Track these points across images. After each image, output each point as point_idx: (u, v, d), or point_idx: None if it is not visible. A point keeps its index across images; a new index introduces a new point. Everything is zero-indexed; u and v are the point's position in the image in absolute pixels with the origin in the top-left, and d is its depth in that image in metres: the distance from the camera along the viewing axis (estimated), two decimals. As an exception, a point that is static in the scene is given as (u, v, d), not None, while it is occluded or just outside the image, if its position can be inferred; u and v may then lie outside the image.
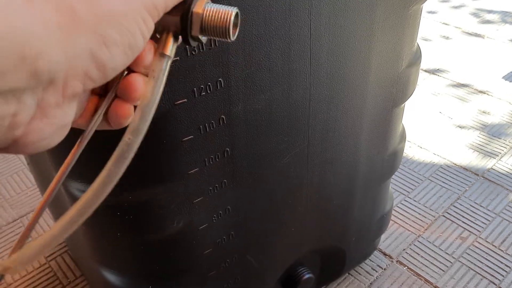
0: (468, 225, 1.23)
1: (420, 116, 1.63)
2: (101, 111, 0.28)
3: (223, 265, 0.74)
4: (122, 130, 0.28)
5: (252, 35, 0.52)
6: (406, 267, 1.14)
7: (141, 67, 0.27)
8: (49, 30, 0.21)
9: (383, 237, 1.20)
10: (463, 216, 1.26)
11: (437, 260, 1.15)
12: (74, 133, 0.28)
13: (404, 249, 1.18)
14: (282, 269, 0.88)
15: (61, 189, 0.64)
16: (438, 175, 1.39)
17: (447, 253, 1.16)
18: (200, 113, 0.54)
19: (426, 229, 1.23)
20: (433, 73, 1.87)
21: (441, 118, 1.62)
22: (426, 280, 1.10)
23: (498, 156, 1.45)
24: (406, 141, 1.05)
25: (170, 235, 0.64)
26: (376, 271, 1.13)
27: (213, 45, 0.50)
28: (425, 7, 2.32)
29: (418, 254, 1.16)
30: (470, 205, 1.29)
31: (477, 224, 1.23)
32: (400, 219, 1.26)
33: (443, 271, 1.12)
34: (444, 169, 1.41)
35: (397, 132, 0.87)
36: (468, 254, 1.16)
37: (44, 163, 0.72)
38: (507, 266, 1.12)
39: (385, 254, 1.17)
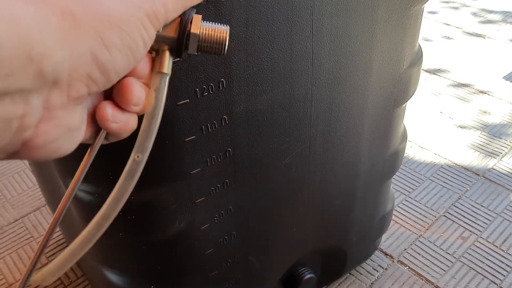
0: (469, 225, 1.23)
1: (421, 116, 1.63)
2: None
3: (225, 265, 0.74)
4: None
5: (254, 35, 0.53)
6: (407, 267, 1.14)
7: (135, 75, 0.28)
8: (51, 32, 0.21)
9: (384, 237, 1.20)
10: (464, 216, 1.26)
11: (438, 260, 1.15)
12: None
13: (405, 249, 1.18)
14: (284, 269, 0.88)
15: (64, 189, 0.64)
16: (439, 175, 1.39)
17: (448, 253, 1.16)
18: (202, 113, 0.55)
19: (427, 229, 1.23)
20: (434, 73, 1.87)
21: (442, 118, 1.62)
22: (427, 280, 1.10)
23: (499, 156, 1.45)
24: (407, 141, 1.05)
25: (172, 235, 0.64)
26: (377, 271, 1.13)
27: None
28: (426, 7, 2.32)
29: (419, 254, 1.16)
30: (471, 205, 1.29)
31: (478, 224, 1.23)
32: (401, 219, 1.26)
33: (444, 271, 1.12)
34: (445, 169, 1.41)
35: (398, 132, 0.87)
36: (469, 254, 1.16)
37: (45, 163, 0.72)
38: (508, 266, 1.12)
39: (386, 254, 1.17)
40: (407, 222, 1.25)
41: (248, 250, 0.76)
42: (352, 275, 1.12)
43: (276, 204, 0.74)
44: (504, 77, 1.81)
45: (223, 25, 0.30)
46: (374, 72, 0.70)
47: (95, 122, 0.28)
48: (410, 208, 1.29)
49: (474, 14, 2.30)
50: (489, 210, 1.27)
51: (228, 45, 0.30)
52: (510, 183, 1.35)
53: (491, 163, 1.43)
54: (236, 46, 0.52)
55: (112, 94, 0.28)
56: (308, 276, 0.90)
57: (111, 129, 0.28)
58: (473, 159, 1.44)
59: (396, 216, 1.27)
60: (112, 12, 0.24)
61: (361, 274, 1.13)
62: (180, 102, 0.52)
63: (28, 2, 0.21)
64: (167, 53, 0.29)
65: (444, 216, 1.26)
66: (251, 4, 0.50)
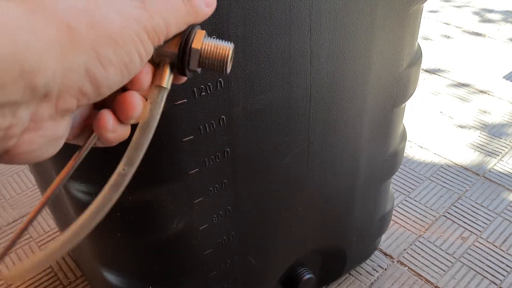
0: (469, 225, 1.23)
1: (420, 116, 1.63)
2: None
3: (224, 265, 0.74)
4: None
5: (252, 35, 0.52)
6: (407, 267, 1.13)
7: (138, 87, 0.28)
8: (48, 46, 0.21)
9: (383, 237, 1.20)
10: (464, 216, 1.26)
11: (438, 260, 1.15)
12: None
13: (404, 249, 1.18)
14: (283, 269, 0.88)
15: (62, 191, 0.64)
16: (438, 175, 1.39)
17: (448, 253, 1.16)
18: (200, 113, 0.54)
19: (426, 229, 1.23)
20: (434, 73, 1.86)
21: (442, 118, 1.62)
22: (427, 280, 1.10)
23: (499, 156, 1.45)
24: (407, 141, 1.05)
25: (170, 236, 0.64)
26: (377, 271, 1.13)
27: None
28: (426, 6, 2.32)
29: (419, 254, 1.16)
30: (471, 205, 1.29)
31: (478, 224, 1.23)
32: (401, 219, 1.26)
33: (444, 271, 1.12)
34: (445, 169, 1.41)
35: (398, 132, 0.87)
36: (469, 254, 1.16)
37: (44, 164, 0.72)
38: (508, 266, 1.12)
39: (385, 254, 1.17)
40: (406, 222, 1.25)
41: (247, 250, 0.76)
42: (352, 275, 1.12)
43: (275, 204, 0.74)
44: (504, 77, 1.81)
45: (228, 42, 0.29)
46: (373, 72, 0.70)
47: (84, 126, 0.29)
48: (410, 208, 1.29)
49: (474, 13, 2.30)
50: (489, 210, 1.27)
51: (231, 65, 0.29)
52: (510, 183, 1.35)
53: (491, 163, 1.42)
54: (234, 46, 0.52)
55: (112, 105, 0.28)
56: (307, 276, 0.90)
57: (107, 138, 0.28)
58: (473, 159, 1.44)
59: (395, 216, 1.27)
60: (112, 26, 0.23)
61: (360, 274, 1.12)
62: (178, 102, 0.52)
63: (29, 13, 0.21)
64: (168, 68, 0.28)
65: (444, 216, 1.26)
66: (249, 4, 0.50)
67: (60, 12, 0.22)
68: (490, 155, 1.45)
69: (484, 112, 1.64)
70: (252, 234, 0.75)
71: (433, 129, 1.57)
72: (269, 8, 0.52)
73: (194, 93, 0.52)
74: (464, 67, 1.89)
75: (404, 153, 1.13)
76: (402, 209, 1.29)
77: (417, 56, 0.78)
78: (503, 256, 1.15)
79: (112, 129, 0.27)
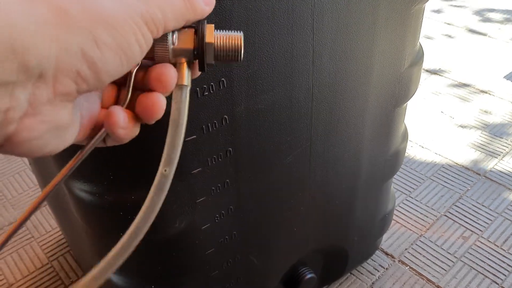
0: (470, 224, 1.23)
1: (422, 116, 1.63)
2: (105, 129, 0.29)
3: (226, 265, 0.74)
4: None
5: (254, 34, 0.52)
6: (408, 267, 1.14)
7: (166, 90, 0.29)
8: (40, 27, 0.22)
9: (385, 236, 1.20)
10: (465, 216, 1.26)
11: (439, 259, 1.15)
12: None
13: (406, 249, 1.18)
14: (285, 269, 0.88)
15: (64, 189, 0.64)
16: (440, 174, 1.39)
17: (449, 253, 1.16)
18: (202, 113, 0.54)
19: (428, 229, 1.23)
20: (435, 73, 1.86)
21: (443, 118, 1.62)
22: (428, 280, 1.10)
23: (500, 155, 1.45)
24: (408, 141, 1.05)
25: (172, 235, 0.64)
26: (378, 271, 1.13)
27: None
28: (427, 6, 2.32)
29: (420, 254, 1.16)
30: (472, 205, 1.29)
31: (479, 224, 1.23)
32: (402, 219, 1.26)
33: (445, 270, 1.12)
34: (446, 168, 1.41)
35: (399, 131, 0.87)
36: (470, 254, 1.16)
37: (46, 163, 0.72)
38: (509, 265, 1.12)
39: (387, 254, 1.17)
40: (408, 222, 1.25)
41: (249, 250, 0.76)
42: (353, 274, 1.12)
43: (277, 204, 0.74)
44: (505, 77, 1.81)
45: (237, 31, 0.30)
46: (375, 72, 0.70)
47: (92, 125, 0.29)
48: (411, 207, 1.29)
49: (475, 12, 2.30)
50: (490, 209, 1.27)
51: (244, 52, 0.30)
52: (511, 182, 1.35)
53: (492, 162, 1.42)
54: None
55: (124, 104, 0.28)
56: (309, 276, 0.90)
57: (119, 135, 0.28)
58: (474, 159, 1.44)
59: (397, 215, 1.27)
60: (106, 11, 0.24)
61: (362, 274, 1.12)
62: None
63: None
64: (185, 65, 0.29)
65: (445, 215, 1.26)
66: (251, 3, 0.50)
67: None
68: (491, 155, 1.45)
69: (485, 112, 1.64)
70: (254, 233, 0.75)
71: (434, 129, 1.57)
72: (272, 8, 0.52)
73: (197, 93, 0.52)
74: (465, 67, 1.89)
75: (405, 153, 1.13)
76: (403, 208, 1.29)
77: (419, 56, 0.78)
78: (504, 256, 1.15)
79: (123, 126, 0.28)
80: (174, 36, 0.28)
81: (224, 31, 0.30)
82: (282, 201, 0.74)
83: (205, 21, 0.29)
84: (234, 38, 0.30)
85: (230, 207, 0.67)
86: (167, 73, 0.28)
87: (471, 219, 1.25)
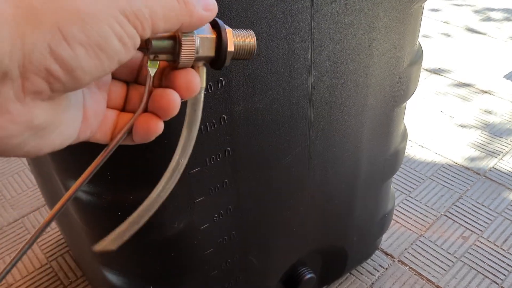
0: (470, 224, 1.23)
1: (421, 115, 1.63)
2: (128, 126, 0.30)
3: (225, 265, 0.74)
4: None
5: (253, 34, 0.52)
6: (407, 267, 1.13)
7: (190, 94, 0.29)
8: (3, 22, 0.21)
9: (384, 236, 1.20)
10: (465, 216, 1.26)
11: (438, 259, 1.14)
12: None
13: (405, 249, 1.18)
14: (284, 269, 0.88)
15: (63, 190, 0.64)
16: (439, 174, 1.39)
17: (449, 253, 1.16)
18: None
19: (427, 229, 1.23)
20: (435, 72, 1.86)
21: (443, 117, 1.62)
22: (428, 280, 1.10)
23: (499, 155, 1.45)
24: (408, 141, 1.05)
25: (171, 235, 0.64)
26: (378, 271, 1.13)
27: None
28: (427, 5, 2.32)
29: (420, 254, 1.16)
30: (472, 205, 1.29)
31: (478, 224, 1.23)
32: (402, 219, 1.26)
33: (445, 270, 1.12)
34: (446, 168, 1.41)
35: (399, 131, 0.87)
36: (470, 254, 1.15)
37: (44, 163, 0.72)
38: (509, 265, 1.12)
39: (386, 254, 1.17)
40: (407, 222, 1.25)
41: (248, 250, 0.76)
42: (353, 275, 1.12)
43: (276, 204, 0.74)
44: (505, 76, 1.81)
45: (249, 30, 0.32)
46: (374, 71, 0.69)
47: (107, 126, 0.30)
48: (411, 207, 1.29)
49: (475, 11, 2.30)
50: (490, 209, 1.27)
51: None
52: (511, 182, 1.35)
53: (492, 162, 1.42)
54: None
55: (150, 107, 0.29)
56: (308, 276, 0.90)
57: (150, 140, 0.30)
58: (474, 159, 1.44)
59: (396, 215, 1.27)
60: (79, 5, 0.22)
61: (361, 274, 1.12)
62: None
63: None
64: (204, 69, 0.30)
65: (445, 215, 1.26)
66: (250, 3, 0.50)
67: None
68: (491, 155, 1.45)
69: (484, 111, 1.64)
70: (253, 233, 0.74)
71: (434, 129, 1.57)
72: (270, 7, 0.52)
73: (195, 92, 0.52)
74: (465, 66, 1.89)
75: (405, 153, 1.13)
76: (403, 208, 1.29)
77: (418, 55, 0.78)
78: (504, 256, 1.14)
79: (158, 131, 0.30)
80: (199, 42, 0.29)
81: (238, 31, 0.31)
82: (281, 201, 0.74)
83: (225, 27, 0.30)
84: (249, 38, 0.31)
85: (229, 207, 0.67)
86: (194, 81, 0.29)
87: (471, 219, 1.25)
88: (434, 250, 1.17)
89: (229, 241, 0.71)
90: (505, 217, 1.24)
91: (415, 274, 1.11)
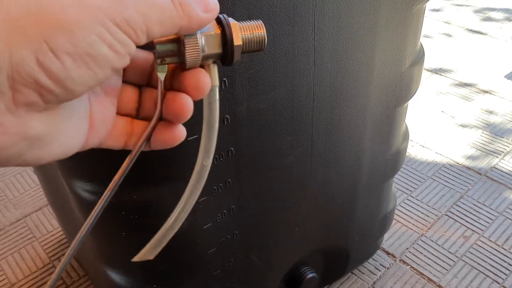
0: (471, 224, 1.23)
1: (422, 115, 1.63)
2: (147, 134, 0.30)
3: (227, 265, 0.74)
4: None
5: (256, 35, 0.53)
6: (409, 266, 1.14)
7: (200, 94, 0.29)
8: None
9: (386, 236, 1.20)
10: (466, 215, 1.26)
11: (440, 259, 1.15)
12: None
13: (407, 248, 1.18)
14: (286, 269, 0.88)
15: (66, 189, 0.64)
16: (441, 174, 1.39)
17: (450, 252, 1.16)
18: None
19: (429, 228, 1.23)
20: (436, 72, 1.86)
21: (444, 117, 1.62)
22: (429, 279, 1.10)
23: (501, 155, 1.45)
24: (409, 140, 1.05)
25: (174, 235, 0.64)
26: (379, 270, 1.13)
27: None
28: (428, 5, 2.32)
29: (421, 253, 1.16)
30: (473, 204, 1.29)
31: (480, 223, 1.23)
32: (403, 218, 1.26)
33: (446, 270, 1.12)
34: (447, 168, 1.41)
35: (400, 131, 0.87)
36: (471, 253, 1.16)
37: (48, 163, 0.72)
38: (510, 265, 1.12)
39: (388, 253, 1.17)
40: (409, 221, 1.25)
41: (250, 249, 0.76)
42: (354, 274, 1.12)
43: (279, 203, 0.74)
44: (506, 76, 1.81)
45: (257, 21, 0.30)
46: (376, 71, 0.70)
47: (119, 133, 0.30)
48: (412, 207, 1.29)
49: (476, 12, 2.30)
50: (491, 209, 1.27)
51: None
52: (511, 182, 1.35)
53: (493, 162, 1.42)
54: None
55: (164, 114, 0.29)
56: (310, 275, 0.90)
57: (171, 146, 0.30)
58: (475, 158, 1.44)
59: (398, 215, 1.27)
60: (66, 15, 0.22)
61: (363, 273, 1.13)
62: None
63: None
64: (214, 67, 0.29)
65: (446, 215, 1.26)
66: (252, 3, 0.50)
67: (4, 1, 0.21)
68: (492, 154, 1.45)
69: (486, 111, 1.64)
70: (256, 233, 0.75)
71: (435, 128, 1.57)
72: (273, 7, 0.52)
73: (199, 92, 0.52)
74: (466, 66, 1.89)
75: (406, 152, 1.14)
76: (404, 208, 1.29)
77: (420, 56, 0.78)
78: (505, 255, 1.15)
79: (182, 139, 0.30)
80: (203, 41, 0.28)
81: (246, 22, 0.30)
82: (283, 201, 0.74)
83: (229, 22, 0.29)
84: (257, 29, 0.30)
85: (231, 207, 0.67)
86: (204, 80, 0.29)
87: (472, 219, 1.25)
88: (435, 249, 1.17)
89: (231, 241, 0.71)
90: (506, 217, 1.25)
91: (417, 274, 1.12)
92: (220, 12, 0.28)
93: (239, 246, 0.73)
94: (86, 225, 0.29)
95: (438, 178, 1.38)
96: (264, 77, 0.57)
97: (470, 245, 1.18)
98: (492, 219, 1.24)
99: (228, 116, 0.57)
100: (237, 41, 0.29)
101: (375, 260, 1.15)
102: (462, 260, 1.14)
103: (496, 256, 1.15)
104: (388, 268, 1.14)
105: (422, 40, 1.83)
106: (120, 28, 0.23)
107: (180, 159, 0.57)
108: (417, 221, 1.25)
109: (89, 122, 0.28)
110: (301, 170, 0.72)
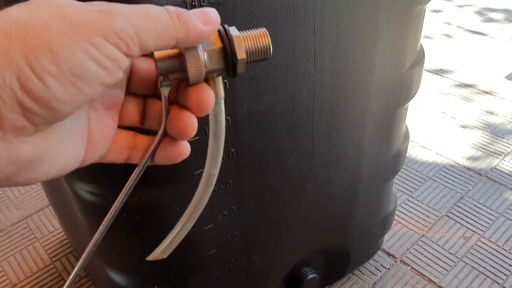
0: (472, 224, 1.23)
1: (423, 116, 1.63)
2: (152, 150, 0.30)
3: (228, 265, 0.75)
4: None
5: (256, 36, 0.53)
6: (409, 267, 1.14)
7: (204, 111, 0.28)
8: None
9: (386, 237, 1.20)
10: (467, 216, 1.26)
11: (440, 259, 1.15)
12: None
13: (407, 249, 1.18)
14: (286, 269, 0.88)
15: (68, 190, 0.64)
16: (441, 174, 1.39)
17: (451, 253, 1.16)
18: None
19: (429, 229, 1.23)
20: (436, 73, 1.87)
21: (444, 118, 1.62)
22: (430, 280, 1.10)
23: (501, 155, 1.45)
24: (409, 141, 1.05)
25: (175, 236, 0.64)
26: (380, 271, 1.13)
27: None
28: (429, 6, 2.32)
29: (422, 254, 1.16)
30: (474, 205, 1.29)
31: (480, 224, 1.23)
32: (404, 219, 1.26)
33: (447, 270, 1.12)
34: (447, 168, 1.41)
35: (401, 132, 0.87)
36: (472, 254, 1.16)
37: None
38: (510, 265, 1.12)
39: (388, 254, 1.17)
40: (409, 222, 1.25)
41: (251, 250, 0.76)
42: (355, 275, 1.12)
43: (279, 204, 0.74)
44: (506, 77, 1.81)
45: (261, 29, 0.29)
46: (376, 73, 0.70)
47: (119, 147, 0.29)
48: (413, 208, 1.29)
49: (477, 12, 2.30)
50: (492, 209, 1.27)
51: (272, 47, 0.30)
52: (512, 182, 1.35)
53: (493, 162, 1.43)
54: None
55: (168, 131, 0.29)
56: (311, 276, 0.91)
57: (177, 162, 0.30)
58: (476, 159, 1.44)
59: (398, 216, 1.27)
60: (45, 36, 0.21)
61: (363, 274, 1.13)
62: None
63: None
64: (218, 80, 0.29)
65: (447, 216, 1.26)
66: (253, 6, 0.51)
67: None
68: (492, 155, 1.45)
69: (486, 112, 1.64)
70: (256, 233, 0.75)
71: (436, 129, 1.57)
72: (274, 10, 0.52)
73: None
74: (466, 67, 1.89)
75: (407, 153, 1.14)
76: (404, 209, 1.29)
77: (420, 57, 0.78)
78: (505, 256, 1.15)
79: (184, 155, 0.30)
80: (205, 57, 0.27)
81: (248, 33, 0.29)
82: (284, 201, 0.74)
83: (231, 35, 0.28)
84: (262, 38, 0.29)
85: (232, 208, 0.68)
86: (207, 98, 0.28)
87: (472, 219, 1.25)
88: (436, 250, 1.17)
89: (232, 242, 0.72)
90: (506, 218, 1.25)
91: (417, 274, 1.12)
92: (221, 16, 0.28)
93: (240, 247, 0.74)
94: (93, 242, 0.30)
95: (438, 178, 1.38)
96: (264, 79, 0.57)
97: (471, 246, 1.18)
98: (493, 220, 1.24)
99: (228, 118, 0.57)
100: (241, 55, 0.27)
101: (376, 261, 1.15)
102: (462, 261, 1.14)
103: (496, 257, 1.15)
104: (388, 268, 1.14)
105: (423, 41, 1.83)
106: (109, 41, 0.22)
107: (180, 161, 0.57)
108: (417, 221, 1.25)
109: (88, 138, 0.27)
110: (302, 171, 0.72)
